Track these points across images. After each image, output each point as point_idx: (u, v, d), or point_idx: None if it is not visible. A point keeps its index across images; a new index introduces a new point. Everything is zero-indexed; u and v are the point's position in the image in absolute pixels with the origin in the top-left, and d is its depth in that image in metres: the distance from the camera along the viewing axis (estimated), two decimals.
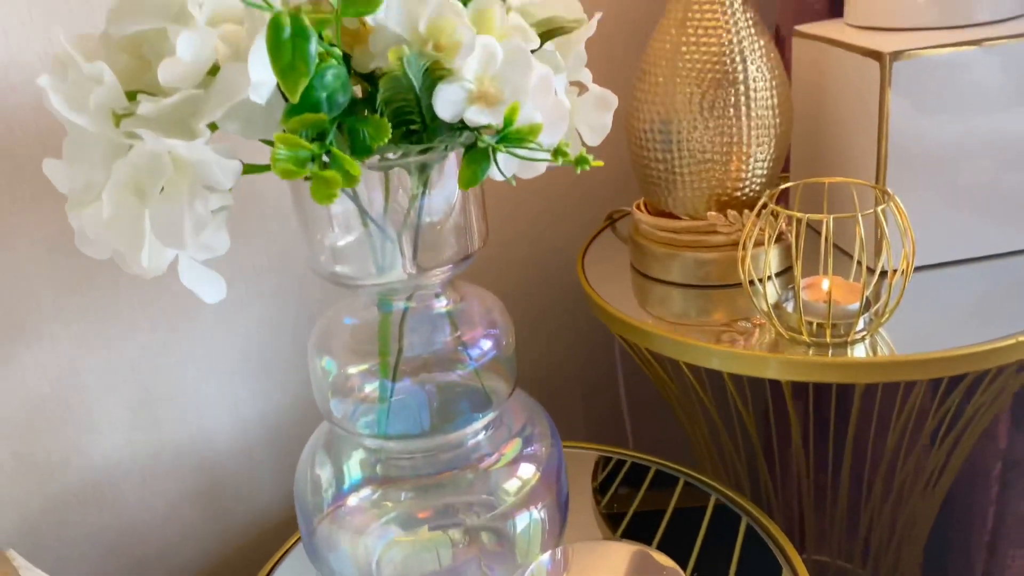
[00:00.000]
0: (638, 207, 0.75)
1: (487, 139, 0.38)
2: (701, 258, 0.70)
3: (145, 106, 0.35)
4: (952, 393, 0.70)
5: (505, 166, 0.40)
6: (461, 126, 0.39)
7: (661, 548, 0.61)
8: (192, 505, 0.67)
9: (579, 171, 0.37)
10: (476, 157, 0.38)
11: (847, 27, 0.70)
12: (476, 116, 0.38)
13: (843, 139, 0.69)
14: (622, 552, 0.50)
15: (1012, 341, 0.57)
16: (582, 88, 0.49)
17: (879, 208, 0.55)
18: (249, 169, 0.38)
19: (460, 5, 0.38)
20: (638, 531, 0.66)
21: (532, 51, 0.43)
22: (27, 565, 0.50)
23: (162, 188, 0.36)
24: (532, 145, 0.38)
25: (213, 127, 0.36)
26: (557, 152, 0.37)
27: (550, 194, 0.86)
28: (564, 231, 0.88)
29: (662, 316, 0.69)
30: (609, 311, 0.69)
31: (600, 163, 0.38)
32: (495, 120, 0.38)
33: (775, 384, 0.96)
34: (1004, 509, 0.91)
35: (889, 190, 0.58)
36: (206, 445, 0.66)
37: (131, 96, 0.38)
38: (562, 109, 0.40)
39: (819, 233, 0.61)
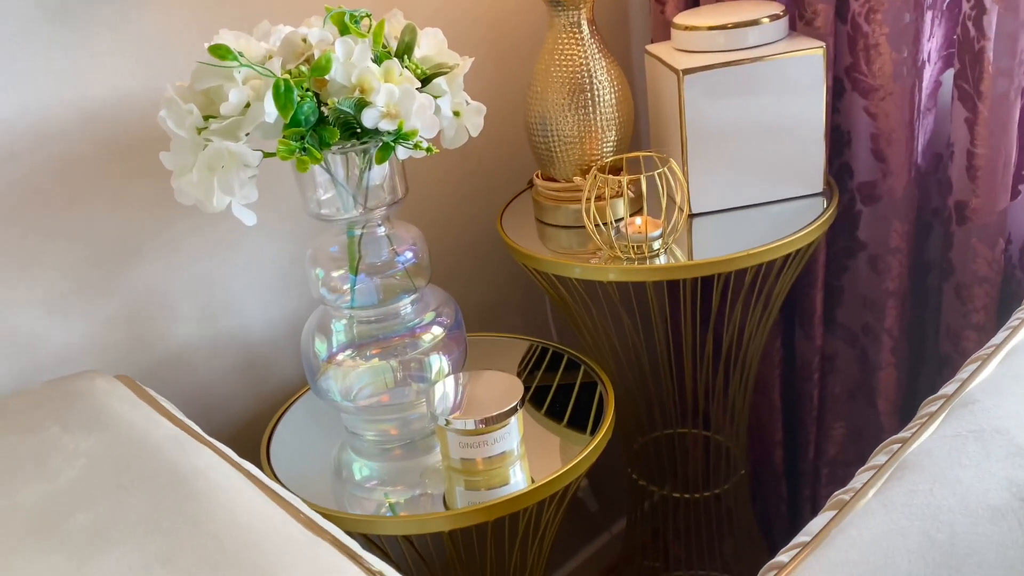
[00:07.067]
0: (536, 175, 1.08)
1: (387, 138, 0.72)
2: (575, 208, 1.04)
3: (213, 126, 0.70)
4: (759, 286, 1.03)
5: (401, 151, 0.74)
6: (379, 131, 0.73)
7: (550, 406, 0.95)
8: (239, 374, 1.02)
9: (428, 154, 0.71)
10: (385, 147, 0.73)
11: (672, 48, 1.03)
12: (385, 126, 0.72)
13: (667, 124, 1.02)
14: (492, 376, 0.85)
15: (745, 253, 0.90)
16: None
17: (656, 172, 0.89)
18: (266, 155, 0.73)
19: (375, 67, 0.72)
20: (539, 394, 0.99)
21: (423, 85, 0.78)
22: (155, 394, 0.85)
23: (222, 166, 0.71)
24: (414, 140, 0.73)
25: (248, 135, 0.71)
26: (416, 145, 0.71)
27: (487, 169, 1.20)
28: (499, 195, 1.22)
29: (553, 248, 1.03)
30: (510, 244, 1.03)
31: (437, 150, 0.72)
32: (394, 127, 0.72)
33: (657, 291, 1.30)
34: (825, 391, 1.25)
35: (669, 157, 0.92)
36: (247, 335, 1.02)
37: (205, 118, 0.72)
38: (434, 120, 0.74)
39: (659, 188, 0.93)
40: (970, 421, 0.60)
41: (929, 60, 1.01)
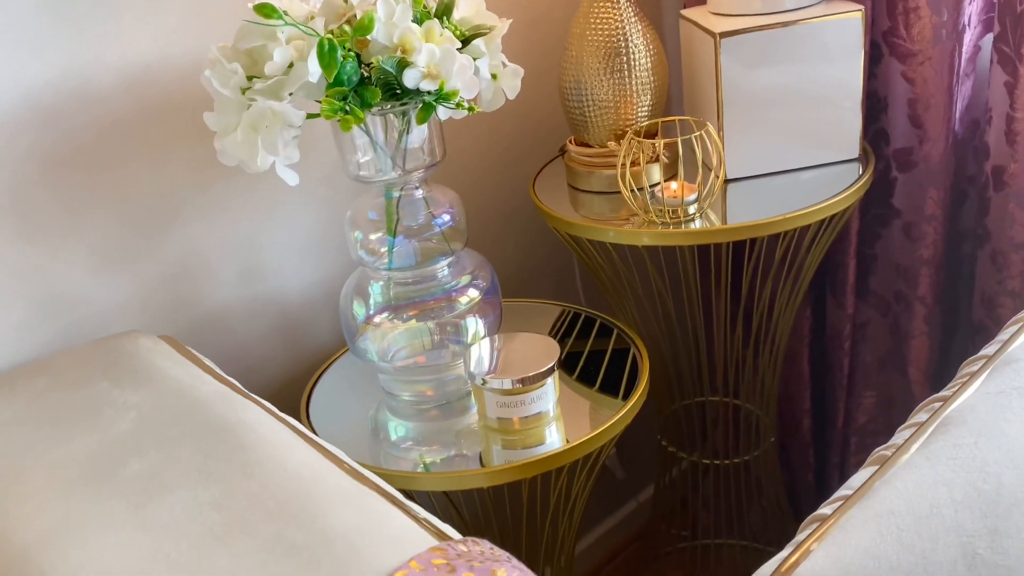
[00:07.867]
0: (569, 141, 1.08)
1: (428, 98, 0.72)
2: (609, 173, 1.04)
3: (257, 85, 0.71)
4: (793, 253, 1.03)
5: (442, 112, 0.75)
6: (420, 91, 0.74)
7: (583, 371, 0.96)
8: (276, 337, 1.04)
9: (470, 113, 0.72)
10: (426, 107, 0.73)
11: (708, 12, 1.02)
12: (426, 86, 0.73)
13: (702, 88, 1.02)
14: (527, 337, 0.85)
15: (780, 217, 0.90)
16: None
17: (693, 135, 0.89)
18: (310, 116, 0.73)
19: (416, 27, 0.73)
20: (571, 359, 1.00)
21: (463, 46, 0.78)
22: (197, 353, 0.86)
23: (266, 126, 0.72)
24: (455, 100, 0.73)
25: (292, 94, 0.72)
26: (458, 105, 0.71)
27: (519, 135, 1.21)
28: (531, 161, 1.22)
29: (586, 214, 1.03)
30: (544, 209, 1.03)
31: (479, 109, 0.73)
32: (435, 87, 0.72)
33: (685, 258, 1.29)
34: (855, 360, 1.25)
35: (706, 122, 0.92)
36: (284, 298, 1.03)
37: (249, 78, 0.73)
38: (474, 81, 0.74)
39: (694, 153, 0.93)
40: (1013, 379, 0.60)
41: (969, 24, 1.00)
